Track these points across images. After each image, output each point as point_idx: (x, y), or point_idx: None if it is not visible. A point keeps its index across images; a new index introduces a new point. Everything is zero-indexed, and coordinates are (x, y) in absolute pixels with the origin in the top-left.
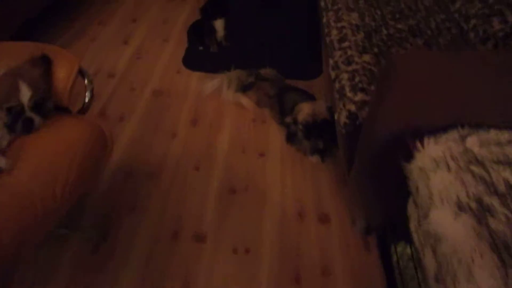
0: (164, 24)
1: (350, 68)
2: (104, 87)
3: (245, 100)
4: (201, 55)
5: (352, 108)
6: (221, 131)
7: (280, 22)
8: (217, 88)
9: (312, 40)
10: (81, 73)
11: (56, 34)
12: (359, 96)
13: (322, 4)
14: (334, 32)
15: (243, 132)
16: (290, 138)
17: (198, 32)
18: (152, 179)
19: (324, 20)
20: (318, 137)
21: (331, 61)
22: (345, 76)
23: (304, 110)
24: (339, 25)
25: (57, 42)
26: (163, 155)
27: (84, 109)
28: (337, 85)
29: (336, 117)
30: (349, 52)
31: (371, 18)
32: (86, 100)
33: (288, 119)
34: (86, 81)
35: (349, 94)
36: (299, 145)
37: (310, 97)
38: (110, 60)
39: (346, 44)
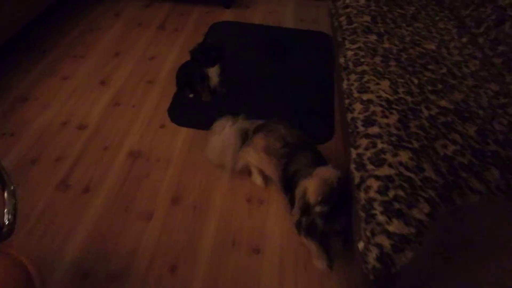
0: (151, 61)
1: (381, 173)
2: (72, 145)
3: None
4: (190, 105)
5: (386, 244)
6: (207, 214)
7: (284, 71)
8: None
9: (323, 95)
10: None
11: (24, 68)
12: (396, 225)
13: (342, 61)
14: (358, 107)
15: (234, 217)
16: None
17: (189, 77)
18: (115, 281)
19: (344, 85)
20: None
21: (353, 153)
22: (374, 184)
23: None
24: (364, 97)
25: (24, 79)
26: (134, 246)
27: (4, 235)
28: (362, 196)
29: (360, 247)
30: (379, 145)
31: (407, 89)
32: (6, 221)
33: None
34: (5, 195)
35: (380, 218)
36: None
37: (321, 161)
38: (83, 107)
39: (375, 130)
